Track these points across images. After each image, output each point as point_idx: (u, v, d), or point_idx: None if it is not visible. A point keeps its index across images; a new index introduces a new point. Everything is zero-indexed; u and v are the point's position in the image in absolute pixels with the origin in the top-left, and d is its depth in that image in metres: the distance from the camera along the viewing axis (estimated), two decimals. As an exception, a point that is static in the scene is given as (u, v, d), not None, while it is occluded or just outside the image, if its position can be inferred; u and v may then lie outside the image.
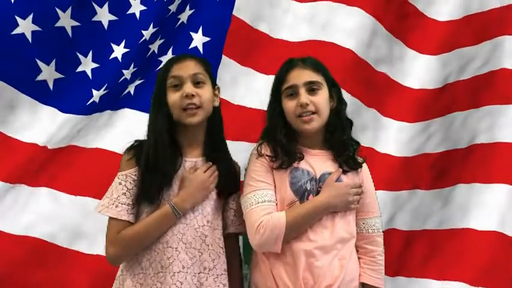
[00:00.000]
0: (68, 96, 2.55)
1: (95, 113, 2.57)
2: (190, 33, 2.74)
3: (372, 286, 1.81)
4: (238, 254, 1.86)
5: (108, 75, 2.63)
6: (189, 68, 1.74)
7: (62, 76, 2.56)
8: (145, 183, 1.68)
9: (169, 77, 1.73)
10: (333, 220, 1.75)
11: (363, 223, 1.85)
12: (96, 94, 2.59)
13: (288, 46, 2.91)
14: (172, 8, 2.77)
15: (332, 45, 2.91)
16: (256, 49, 2.86)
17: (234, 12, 2.89)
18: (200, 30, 2.76)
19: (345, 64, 2.87)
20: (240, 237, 1.89)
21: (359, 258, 1.82)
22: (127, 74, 2.65)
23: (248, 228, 1.73)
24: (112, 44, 2.68)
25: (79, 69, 2.62)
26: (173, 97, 1.71)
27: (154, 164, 1.68)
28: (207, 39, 2.77)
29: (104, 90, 2.60)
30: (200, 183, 1.71)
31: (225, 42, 2.81)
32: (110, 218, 1.68)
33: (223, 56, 2.79)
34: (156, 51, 2.72)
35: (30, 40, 2.45)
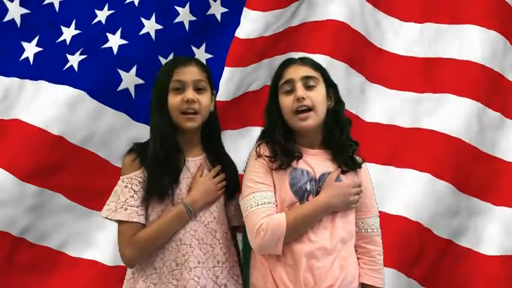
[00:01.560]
0: None
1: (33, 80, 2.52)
2: (192, 47, 2.77)
3: (372, 286, 1.80)
4: (237, 244, 1.90)
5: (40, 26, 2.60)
6: (193, 73, 1.79)
7: None
8: (156, 178, 1.71)
9: (173, 80, 1.77)
10: (333, 220, 1.75)
11: (362, 223, 1.85)
12: (28, 49, 2.55)
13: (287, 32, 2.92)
14: None
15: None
16: (258, 53, 2.88)
17: (237, 34, 2.93)
18: (203, 47, 2.80)
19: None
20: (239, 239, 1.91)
21: (358, 258, 1.81)
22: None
23: (248, 230, 1.72)
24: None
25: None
26: (173, 100, 1.76)
27: (164, 160, 1.72)
28: (209, 56, 2.81)
29: (37, 46, 2.57)
30: (208, 188, 1.78)
31: (226, 57, 2.85)
32: (121, 222, 1.71)
33: (226, 68, 2.81)
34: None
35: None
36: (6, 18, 2.60)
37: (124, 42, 2.58)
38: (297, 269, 1.68)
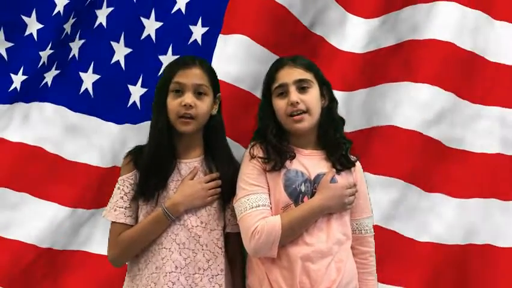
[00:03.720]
0: None
1: (19, 102, 2.58)
2: (190, 26, 2.66)
3: None
4: (240, 253, 1.84)
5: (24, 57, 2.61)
6: (194, 77, 1.75)
7: None
8: (142, 181, 1.74)
9: (173, 81, 1.74)
10: (329, 222, 1.74)
11: (357, 224, 1.85)
12: (16, 79, 2.59)
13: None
14: None
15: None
16: (257, 16, 2.68)
17: None
18: (199, 22, 2.67)
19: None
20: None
21: None
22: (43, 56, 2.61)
23: (243, 233, 1.72)
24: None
25: None
26: (172, 103, 1.74)
27: (153, 163, 1.73)
28: (206, 29, 2.69)
29: (23, 75, 2.59)
30: (196, 192, 1.74)
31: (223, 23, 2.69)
32: (112, 222, 1.77)
33: (220, 36, 2.66)
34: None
35: None
36: None
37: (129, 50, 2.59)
38: (293, 271, 1.68)
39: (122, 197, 1.75)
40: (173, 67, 1.77)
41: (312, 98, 1.76)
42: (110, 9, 2.63)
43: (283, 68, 1.79)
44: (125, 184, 1.76)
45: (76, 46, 2.60)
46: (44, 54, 2.60)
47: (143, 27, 2.63)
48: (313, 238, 1.71)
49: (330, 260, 1.71)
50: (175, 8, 2.65)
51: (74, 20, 2.64)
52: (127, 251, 1.74)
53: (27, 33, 2.62)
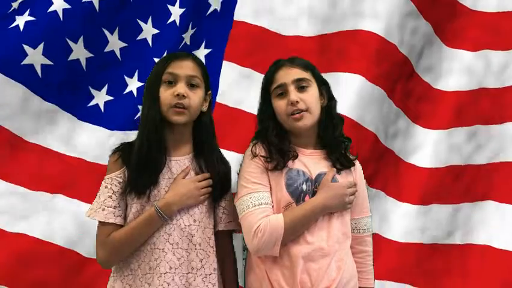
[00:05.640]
0: None
1: None
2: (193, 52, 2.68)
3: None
4: (232, 252, 1.86)
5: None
6: (187, 68, 1.75)
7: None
8: (134, 177, 1.71)
9: (166, 72, 1.74)
10: (330, 221, 1.76)
11: (355, 223, 1.87)
12: None
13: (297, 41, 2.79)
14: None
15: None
16: (258, 47, 2.73)
17: (235, 17, 2.79)
18: (202, 45, 2.73)
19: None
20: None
21: None
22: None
23: (245, 232, 1.72)
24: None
25: None
26: (165, 93, 1.73)
27: (145, 159, 1.70)
28: (208, 50, 2.75)
29: None
30: (189, 191, 1.73)
31: (225, 48, 2.75)
32: (99, 222, 1.72)
33: (224, 62, 2.72)
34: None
35: None
36: None
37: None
38: (294, 270, 1.69)
39: (110, 196, 1.71)
40: (166, 59, 1.78)
41: (311, 96, 1.80)
42: (124, 44, 2.64)
43: (281, 68, 1.82)
44: (113, 183, 1.72)
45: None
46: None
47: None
48: (314, 237, 1.72)
49: (331, 259, 1.73)
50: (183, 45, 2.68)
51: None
52: (118, 252, 1.70)
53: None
